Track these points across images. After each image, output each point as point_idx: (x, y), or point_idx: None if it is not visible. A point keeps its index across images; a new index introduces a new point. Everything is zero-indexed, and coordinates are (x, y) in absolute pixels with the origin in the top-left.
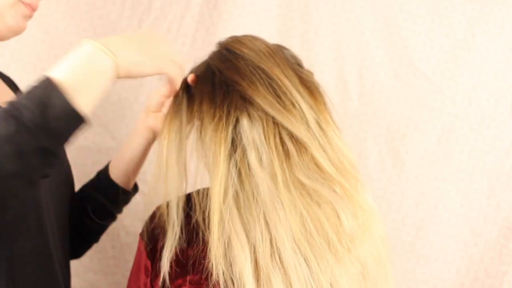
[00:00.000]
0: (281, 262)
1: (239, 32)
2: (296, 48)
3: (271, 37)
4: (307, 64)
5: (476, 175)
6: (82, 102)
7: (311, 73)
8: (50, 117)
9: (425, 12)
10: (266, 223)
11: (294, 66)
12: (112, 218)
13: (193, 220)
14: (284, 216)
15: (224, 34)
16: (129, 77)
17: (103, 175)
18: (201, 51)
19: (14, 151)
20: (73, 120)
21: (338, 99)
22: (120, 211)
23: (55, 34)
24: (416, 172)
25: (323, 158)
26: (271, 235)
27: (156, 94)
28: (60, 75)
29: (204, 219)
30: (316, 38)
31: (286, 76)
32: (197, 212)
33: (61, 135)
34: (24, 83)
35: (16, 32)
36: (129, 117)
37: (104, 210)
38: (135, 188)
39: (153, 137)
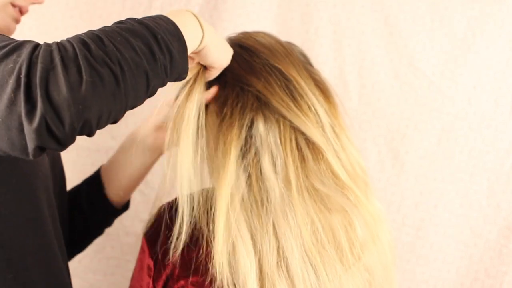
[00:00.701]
0: (288, 271)
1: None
2: None
3: None
4: None
5: (476, 175)
6: None
7: (319, 72)
8: (173, 46)
9: (425, 12)
10: (275, 230)
11: (307, 67)
12: (99, 233)
13: (197, 221)
14: (295, 223)
15: (224, 34)
16: (195, 56)
17: (97, 193)
18: None
19: (146, 51)
20: (184, 65)
21: (338, 99)
22: (107, 225)
23: (55, 34)
24: (416, 172)
25: (337, 164)
26: (279, 243)
27: (163, 109)
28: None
29: (207, 222)
30: (316, 38)
31: (302, 78)
32: (201, 214)
33: (174, 68)
34: None
35: (5, 34)
36: (129, 116)
37: (91, 225)
38: (126, 206)
39: (158, 154)
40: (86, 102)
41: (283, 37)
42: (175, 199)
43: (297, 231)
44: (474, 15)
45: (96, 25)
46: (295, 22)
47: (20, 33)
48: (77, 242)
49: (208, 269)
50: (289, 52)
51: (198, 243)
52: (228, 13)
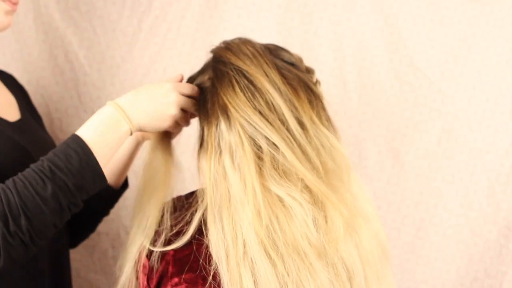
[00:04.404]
0: (252, 263)
1: (239, 32)
2: (296, 48)
3: (271, 37)
4: (306, 64)
5: (476, 175)
6: (102, 163)
7: (309, 72)
8: (86, 180)
9: (425, 12)
10: (240, 226)
11: (281, 65)
12: (104, 214)
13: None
14: (252, 219)
15: (224, 34)
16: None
17: None
18: (201, 51)
19: (56, 207)
20: (100, 183)
21: (338, 99)
22: (111, 206)
23: (55, 34)
24: (416, 172)
25: (298, 160)
26: (243, 237)
27: None
28: (89, 138)
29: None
30: (316, 38)
31: (267, 77)
32: (191, 211)
33: (89, 193)
34: (24, 83)
35: (0, 28)
36: None
37: (96, 208)
38: (125, 185)
39: (142, 139)
40: (3, 268)
41: (283, 37)
42: (169, 201)
43: (252, 226)
44: (474, 15)
45: (96, 25)
46: (295, 22)
47: (20, 33)
48: (87, 224)
49: (201, 264)
50: (259, 54)
51: (191, 240)
52: (228, 13)
